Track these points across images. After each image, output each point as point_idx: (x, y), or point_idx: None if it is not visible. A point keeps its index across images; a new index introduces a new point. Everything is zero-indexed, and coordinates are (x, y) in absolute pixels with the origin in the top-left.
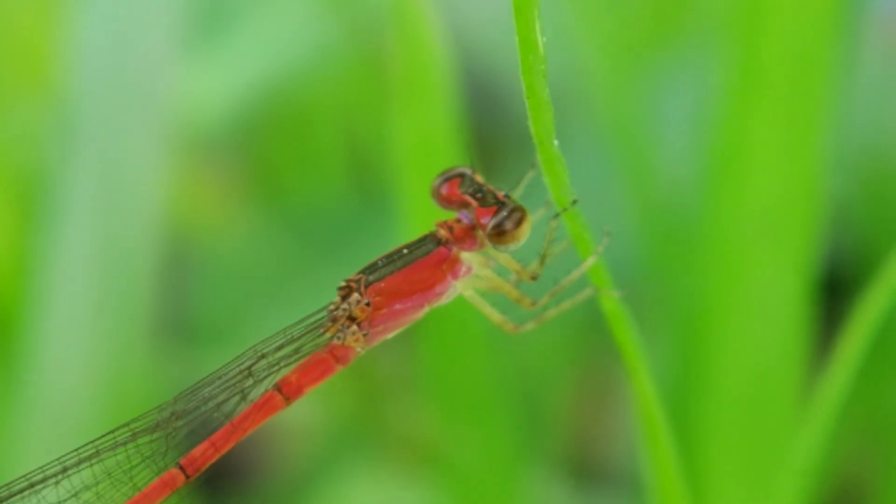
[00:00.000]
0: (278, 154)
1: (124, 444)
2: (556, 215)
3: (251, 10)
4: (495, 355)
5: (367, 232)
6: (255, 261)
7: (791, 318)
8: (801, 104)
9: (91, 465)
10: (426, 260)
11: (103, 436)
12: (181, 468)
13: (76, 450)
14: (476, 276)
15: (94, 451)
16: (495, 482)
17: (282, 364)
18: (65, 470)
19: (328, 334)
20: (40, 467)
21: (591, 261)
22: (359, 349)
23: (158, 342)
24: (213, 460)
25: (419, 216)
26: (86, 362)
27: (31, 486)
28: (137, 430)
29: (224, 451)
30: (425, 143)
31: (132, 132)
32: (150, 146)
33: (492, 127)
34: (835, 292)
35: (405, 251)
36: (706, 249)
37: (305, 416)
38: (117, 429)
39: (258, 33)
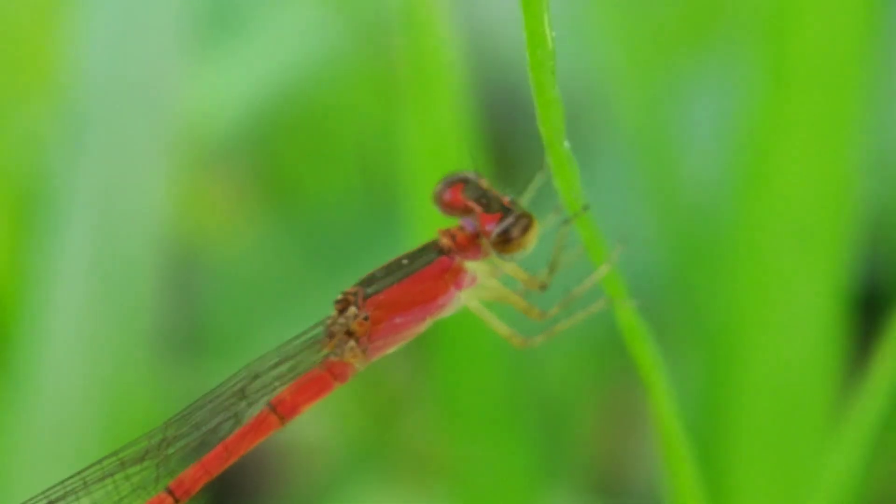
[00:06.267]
0: (289, 161)
1: (112, 474)
2: (566, 221)
3: (261, 16)
4: (510, 368)
5: (378, 241)
6: (265, 270)
7: (824, 333)
8: (834, 109)
9: (78, 499)
10: (427, 270)
11: (90, 466)
12: (170, 492)
13: (62, 482)
14: (481, 286)
15: (81, 482)
16: (510, 499)
17: (276, 384)
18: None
19: (325, 350)
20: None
21: (603, 270)
22: (357, 365)
23: (165, 353)
24: (204, 483)
25: (429, 224)
26: (86, 373)
27: None
28: (126, 459)
29: (215, 474)
30: (436, 148)
31: (137, 138)
32: (155, 153)
33: (512, 129)
34: (873, 305)
35: (405, 261)
36: (734, 260)
37: (318, 432)
38: (104, 458)
39: (268, 38)
